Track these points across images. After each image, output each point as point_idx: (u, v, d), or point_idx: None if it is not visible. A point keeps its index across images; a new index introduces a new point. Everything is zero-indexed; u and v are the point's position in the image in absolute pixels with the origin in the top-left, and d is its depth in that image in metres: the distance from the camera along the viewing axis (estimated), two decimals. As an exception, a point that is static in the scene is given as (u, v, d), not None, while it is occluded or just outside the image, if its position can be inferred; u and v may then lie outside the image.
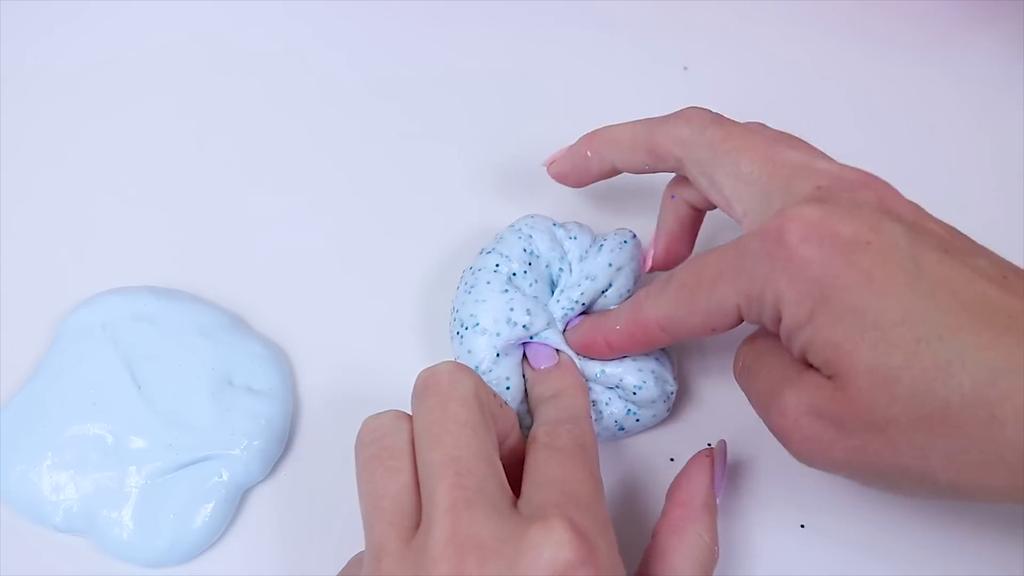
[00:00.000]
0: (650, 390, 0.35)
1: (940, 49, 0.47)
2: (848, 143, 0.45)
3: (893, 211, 0.28)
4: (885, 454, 0.26)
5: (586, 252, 0.37)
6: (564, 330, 0.36)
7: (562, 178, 0.38)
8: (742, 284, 0.29)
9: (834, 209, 0.27)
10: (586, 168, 0.37)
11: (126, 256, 0.41)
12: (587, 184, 0.38)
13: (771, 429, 0.29)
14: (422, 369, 0.30)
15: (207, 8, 0.48)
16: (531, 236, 0.37)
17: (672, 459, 0.37)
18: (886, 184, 0.30)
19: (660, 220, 0.37)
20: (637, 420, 0.36)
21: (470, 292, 0.36)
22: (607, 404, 0.36)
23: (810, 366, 0.28)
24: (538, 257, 0.37)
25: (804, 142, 0.32)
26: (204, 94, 0.46)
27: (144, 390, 0.36)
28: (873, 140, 0.45)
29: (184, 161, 0.44)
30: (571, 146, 0.37)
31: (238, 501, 0.36)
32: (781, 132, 0.32)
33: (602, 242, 0.37)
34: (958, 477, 0.26)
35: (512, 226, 0.38)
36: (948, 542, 0.35)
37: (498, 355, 0.35)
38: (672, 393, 0.36)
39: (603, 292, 0.37)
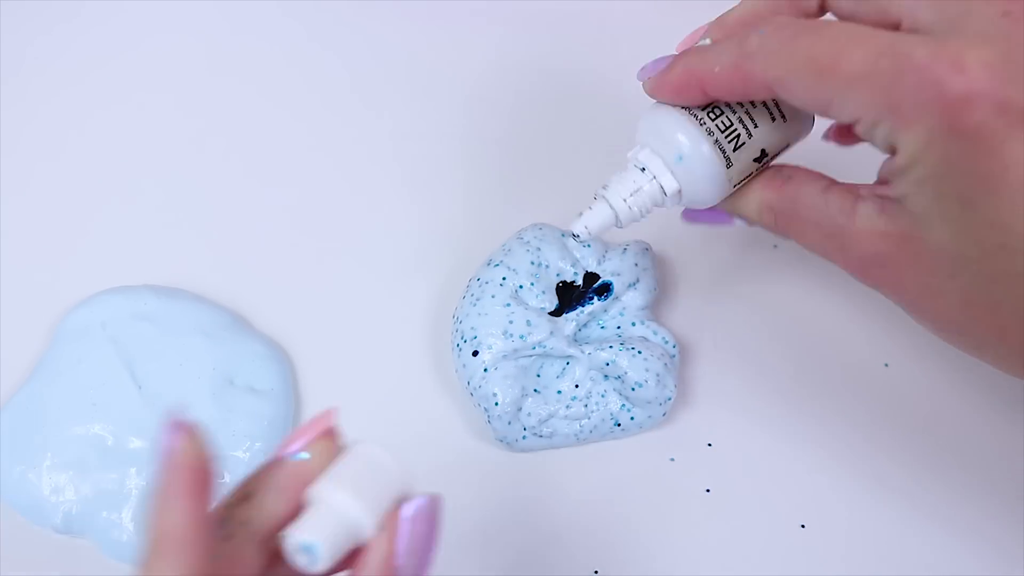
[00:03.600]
0: (649, 390, 0.36)
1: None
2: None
3: None
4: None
5: (604, 256, 0.38)
6: (645, 77, 0.31)
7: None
8: (880, 104, 0.25)
9: (1016, 69, 0.24)
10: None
11: (126, 255, 0.41)
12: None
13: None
14: None
15: (207, 8, 0.48)
16: (539, 248, 0.38)
17: (672, 459, 0.37)
18: None
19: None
20: (632, 418, 0.36)
21: (474, 305, 0.37)
22: (603, 396, 0.36)
23: (858, 189, 0.28)
24: (547, 267, 0.37)
25: None
26: (205, 93, 0.46)
27: (144, 390, 0.36)
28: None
29: (185, 160, 0.44)
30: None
31: (239, 502, 0.36)
32: None
33: (625, 246, 0.38)
34: None
35: (520, 237, 0.38)
36: (948, 542, 0.35)
37: (486, 370, 0.35)
38: (669, 399, 0.36)
39: (630, 286, 0.38)
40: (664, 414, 0.36)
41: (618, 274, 0.38)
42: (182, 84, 0.46)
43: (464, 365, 0.36)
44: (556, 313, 0.37)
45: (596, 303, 0.38)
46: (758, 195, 0.31)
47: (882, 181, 0.27)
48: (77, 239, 0.42)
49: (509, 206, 0.42)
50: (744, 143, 0.30)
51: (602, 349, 0.36)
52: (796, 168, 0.30)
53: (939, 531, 0.35)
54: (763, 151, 0.30)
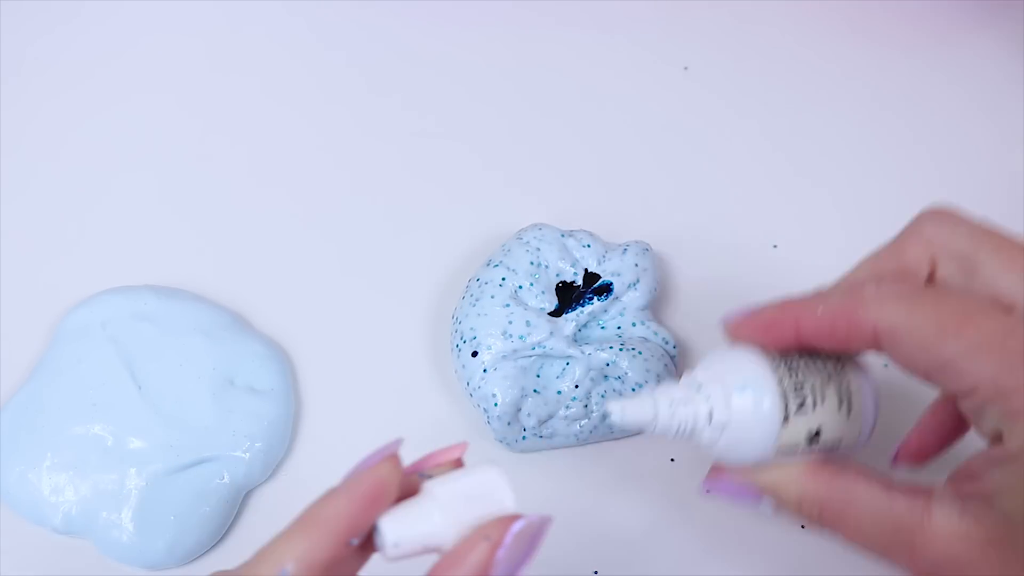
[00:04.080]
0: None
1: (940, 49, 0.47)
2: (848, 143, 0.45)
3: None
4: None
5: (604, 256, 0.38)
6: (731, 318, 0.29)
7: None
8: (1006, 378, 0.24)
9: None
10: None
11: (126, 254, 0.41)
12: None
13: (902, 570, 0.25)
14: None
15: (208, 7, 0.48)
16: (539, 249, 0.38)
17: (672, 459, 0.37)
18: None
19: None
20: None
21: (474, 305, 0.37)
22: (603, 396, 0.36)
23: (931, 489, 0.25)
24: (546, 268, 0.37)
25: None
26: (205, 93, 0.46)
27: (144, 390, 0.36)
28: (873, 140, 0.45)
29: (185, 160, 0.44)
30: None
31: (239, 502, 0.36)
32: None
33: (625, 247, 0.38)
34: None
35: (520, 238, 0.38)
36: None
37: (485, 370, 0.36)
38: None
39: (630, 286, 0.38)
40: None
41: (618, 274, 0.38)
42: (182, 83, 0.46)
43: (463, 366, 0.36)
44: (556, 313, 0.37)
45: (596, 303, 0.38)
46: (800, 483, 0.27)
47: (968, 476, 0.26)
48: (77, 239, 0.42)
49: (509, 206, 0.42)
50: (807, 411, 0.27)
51: (602, 350, 0.36)
52: (846, 462, 0.28)
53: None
54: (819, 431, 0.27)
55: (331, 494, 0.24)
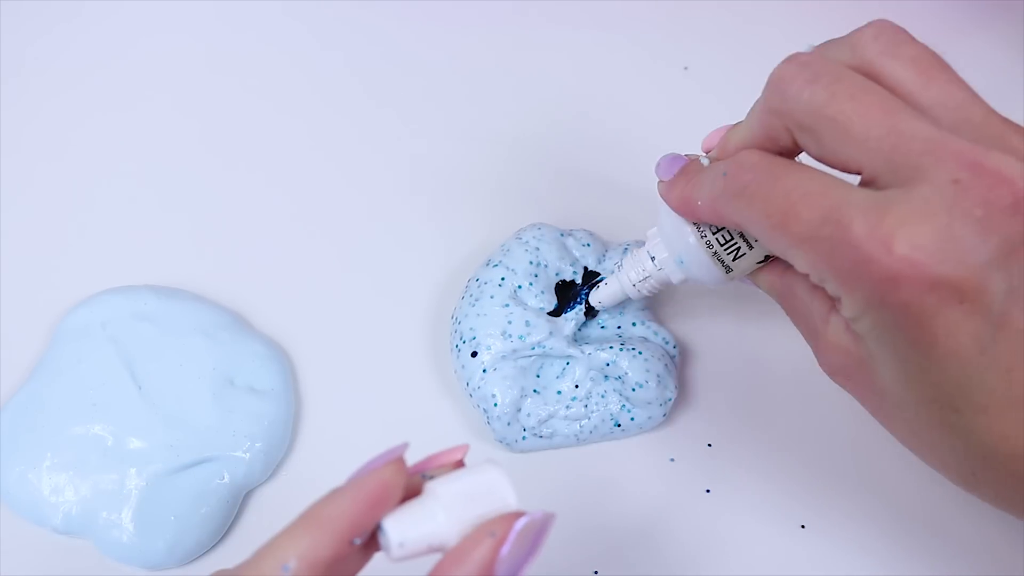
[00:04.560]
0: (650, 391, 0.36)
1: (940, 49, 0.46)
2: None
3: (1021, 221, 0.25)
4: None
5: (604, 255, 0.38)
6: (659, 177, 0.32)
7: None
8: (824, 269, 0.26)
9: (951, 247, 0.24)
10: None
11: (126, 254, 0.41)
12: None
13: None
14: None
15: (207, 8, 0.48)
16: (538, 248, 0.38)
17: (672, 459, 0.37)
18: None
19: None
20: (632, 419, 0.36)
21: (473, 305, 0.37)
22: (603, 396, 0.36)
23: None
24: (546, 267, 0.37)
25: (950, 86, 0.27)
26: (205, 93, 0.46)
27: (144, 390, 0.36)
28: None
29: (185, 160, 0.44)
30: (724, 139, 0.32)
31: (239, 503, 0.36)
32: (915, 67, 0.28)
33: (625, 246, 0.38)
34: None
35: (519, 238, 0.38)
36: (948, 542, 0.35)
37: (485, 371, 0.36)
38: (670, 400, 0.36)
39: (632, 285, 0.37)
40: (664, 415, 0.36)
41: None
42: (182, 84, 0.46)
43: (463, 366, 0.36)
44: (556, 313, 0.37)
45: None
46: (766, 275, 0.32)
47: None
48: (77, 239, 0.42)
49: (509, 206, 0.42)
50: (744, 254, 0.31)
51: (602, 350, 0.36)
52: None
53: (939, 532, 0.35)
54: (766, 256, 0.32)
55: (335, 493, 0.24)
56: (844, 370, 0.29)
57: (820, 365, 0.30)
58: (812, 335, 0.30)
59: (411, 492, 0.25)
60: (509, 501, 0.25)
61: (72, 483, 0.35)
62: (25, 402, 0.36)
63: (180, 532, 0.34)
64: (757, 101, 0.30)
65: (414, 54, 0.47)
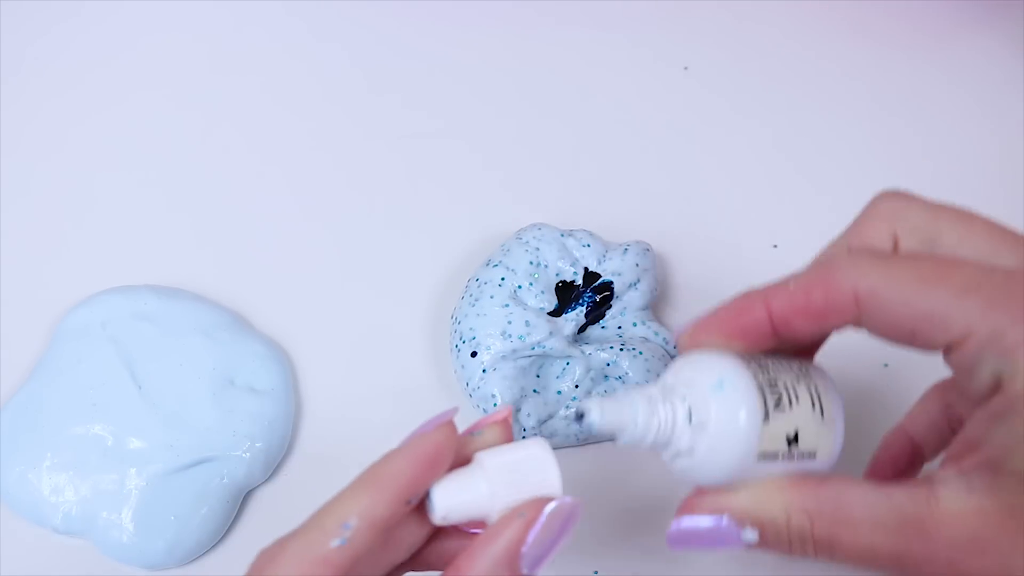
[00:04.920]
0: (650, 391, 0.35)
1: (940, 49, 0.47)
2: (848, 142, 0.45)
3: None
4: None
5: (604, 256, 0.38)
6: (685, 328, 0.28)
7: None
8: (994, 318, 0.23)
9: None
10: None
11: (126, 254, 0.41)
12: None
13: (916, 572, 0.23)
14: None
15: (207, 7, 0.48)
16: (538, 248, 0.38)
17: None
18: None
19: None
20: None
21: (473, 305, 0.37)
22: (605, 392, 0.36)
23: (931, 478, 0.23)
24: (546, 267, 0.37)
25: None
26: (205, 93, 0.46)
27: (144, 390, 0.36)
28: (873, 140, 0.45)
29: (185, 159, 0.44)
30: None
31: (239, 503, 0.36)
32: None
33: (625, 247, 0.38)
34: None
35: (519, 238, 0.38)
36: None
37: (484, 371, 0.36)
38: None
39: (630, 285, 0.38)
40: None
41: (619, 274, 0.38)
42: (182, 83, 0.46)
43: (463, 366, 0.36)
44: (556, 313, 0.37)
45: (597, 310, 0.38)
46: (785, 496, 0.25)
47: (967, 447, 0.23)
48: (78, 239, 0.42)
49: (509, 206, 0.42)
50: (784, 409, 0.25)
51: (602, 350, 0.36)
52: (829, 474, 0.26)
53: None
54: (797, 435, 0.25)
55: (392, 455, 0.25)
56: (979, 544, 0.22)
57: (935, 562, 0.22)
58: (908, 531, 0.23)
59: (460, 461, 0.26)
60: (551, 479, 0.26)
61: (72, 483, 0.34)
62: (25, 402, 0.36)
63: (180, 532, 0.34)
64: (837, 238, 0.28)
65: (414, 54, 0.47)
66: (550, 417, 0.36)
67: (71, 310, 0.38)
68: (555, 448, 0.37)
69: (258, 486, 0.36)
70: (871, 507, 0.23)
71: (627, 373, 0.36)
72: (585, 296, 0.38)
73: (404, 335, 0.39)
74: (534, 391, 0.36)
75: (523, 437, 0.36)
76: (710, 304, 0.39)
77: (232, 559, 0.35)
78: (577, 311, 0.37)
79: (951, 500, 0.22)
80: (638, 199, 0.43)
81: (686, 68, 0.47)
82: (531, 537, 0.25)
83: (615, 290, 0.37)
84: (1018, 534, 0.21)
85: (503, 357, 0.36)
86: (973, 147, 0.44)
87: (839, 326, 0.25)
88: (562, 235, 0.38)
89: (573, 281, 0.38)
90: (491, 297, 0.37)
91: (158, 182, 0.43)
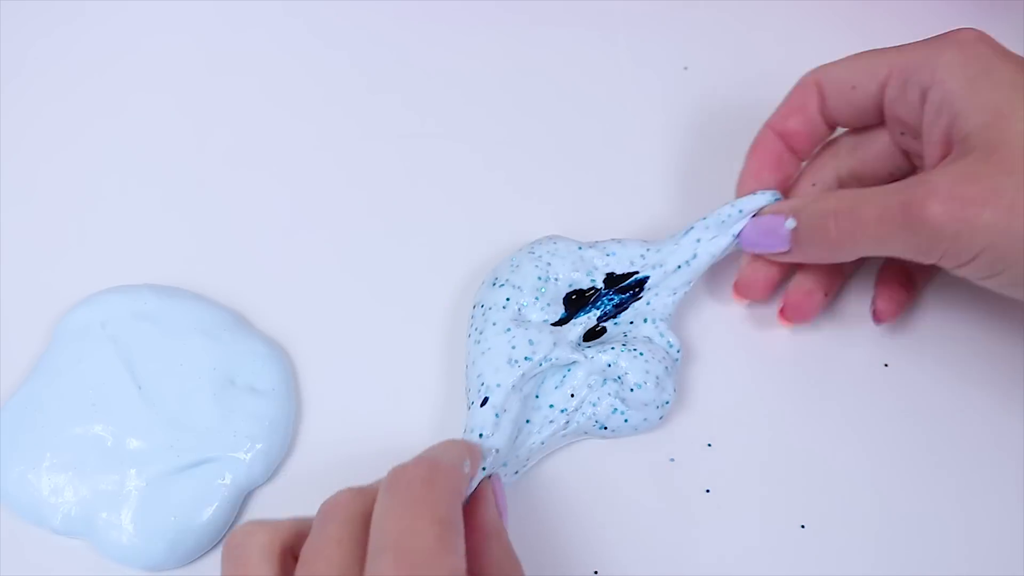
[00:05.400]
0: (648, 392, 0.35)
1: (940, 49, 0.47)
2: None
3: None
4: None
5: (647, 251, 0.38)
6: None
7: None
8: (902, 59, 0.34)
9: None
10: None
11: (126, 253, 0.41)
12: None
13: (920, 220, 0.30)
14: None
15: (207, 8, 0.48)
16: (550, 264, 0.37)
17: (672, 459, 0.37)
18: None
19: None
20: (625, 420, 0.36)
21: (478, 343, 0.36)
22: (593, 405, 0.36)
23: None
24: (556, 281, 0.37)
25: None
26: (205, 93, 0.46)
27: (144, 390, 0.36)
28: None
29: (185, 159, 0.44)
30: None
31: (240, 503, 0.36)
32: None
33: (690, 227, 0.38)
34: None
35: (532, 252, 0.38)
36: (948, 543, 0.35)
37: (497, 415, 0.34)
38: (667, 403, 0.36)
39: (672, 292, 0.38)
40: (661, 418, 0.36)
41: (660, 265, 0.37)
42: (183, 84, 0.46)
43: (473, 416, 0.35)
44: (563, 322, 0.37)
45: (620, 313, 0.37)
46: (817, 198, 0.35)
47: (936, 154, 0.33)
48: (78, 239, 0.42)
49: (509, 206, 0.42)
50: None
51: (604, 352, 0.36)
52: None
53: (939, 532, 0.35)
54: None
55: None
56: (968, 198, 0.29)
57: (941, 209, 0.30)
58: (911, 214, 0.30)
59: None
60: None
61: (72, 483, 0.34)
62: (25, 402, 0.36)
63: (180, 533, 0.34)
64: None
65: (416, 57, 0.47)
66: (539, 443, 0.36)
67: (71, 310, 0.38)
68: (543, 453, 0.36)
69: (259, 487, 0.36)
70: (879, 195, 0.32)
71: (626, 373, 0.36)
72: (604, 299, 0.37)
73: (406, 335, 0.39)
74: (527, 421, 0.35)
75: (515, 474, 0.35)
76: (709, 306, 0.40)
77: (232, 559, 0.35)
78: (589, 315, 0.37)
79: (942, 173, 0.30)
80: (637, 199, 0.43)
81: (686, 68, 0.47)
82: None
83: (649, 282, 0.37)
84: (999, 168, 0.29)
85: (513, 387, 0.35)
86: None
87: (818, 111, 0.37)
88: (580, 248, 0.38)
89: (591, 288, 0.37)
90: (493, 324, 0.36)
91: (158, 182, 0.43)
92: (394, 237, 0.42)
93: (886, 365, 0.39)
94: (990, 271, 0.30)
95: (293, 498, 0.36)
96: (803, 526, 0.36)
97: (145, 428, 0.35)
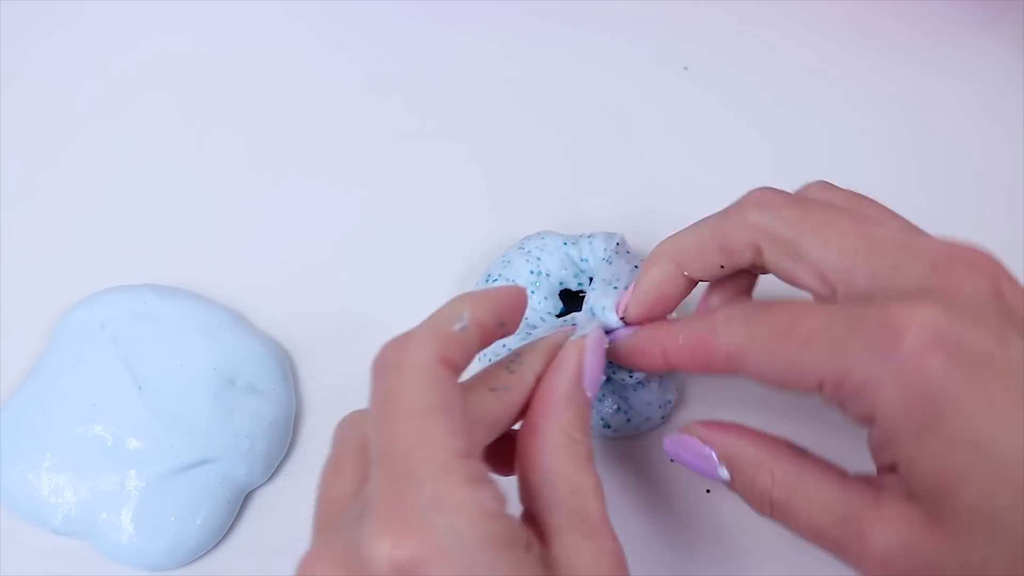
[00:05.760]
0: (651, 392, 0.35)
1: (940, 49, 0.47)
2: (848, 143, 0.45)
3: (1007, 303, 0.25)
4: None
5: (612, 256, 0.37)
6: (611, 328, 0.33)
7: (643, 318, 0.32)
8: (839, 363, 0.25)
9: (960, 315, 0.24)
10: (663, 295, 0.32)
11: (126, 253, 0.41)
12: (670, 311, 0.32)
13: (851, 564, 0.26)
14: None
15: (207, 8, 0.48)
16: (540, 258, 0.37)
17: (672, 459, 0.37)
18: (994, 261, 0.26)
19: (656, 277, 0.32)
20: (628, 420, 0.36)
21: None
22: (600, 399, 0.36)
23: (882, 479, 0.26)
24: (548, 276, 0.37)
25: (888, 211, 0.29)
26: (205, 93, 0.46)
27: (144, 390, 0.36)
28: (873, 140, 0.45)
29: (185, 159, 0.44)
30: (636, 284, 0.32)
31: (240, 503, 0.36)
32: (855, 199, 0.30)
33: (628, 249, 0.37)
34: None
35: (521, 247, 0.38)
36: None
37: None
38: (670, 402, 0.36)
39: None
40: (663, 417, 0.36)
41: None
42: (183, 84, 0.46)
43: None
44: (562, 315, 0.37)
45: None
46: (758, 453, 0.28)
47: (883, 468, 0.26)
48: (77, 239, 0.42)
49: (509, 206, 0.42)
50: None
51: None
52: (806, 451, 0.29)
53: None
54: None
55: (486, 289, 0.29)
56: (907, 547, 0.25)
57: (865, 559, 0.25)
58: (850, 533, 0.26)
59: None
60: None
61: (72, 484, 0.34)
62: (25, 402, 0.36)
63: (180, 533, 0.34)
64: (702, 225, 0.31)
65: (415, 56, 0.47)
66: None
67: (71, 310, 0.38)
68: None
69: (258, 487, 0.36)
70: (824, 492, 0.27)
71: (629, 373, 0.35)
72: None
73: (405, 335, 0.39)
74: None
75: None
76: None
77: (232, 560, 0.35)
78: (584, 313, 0.37)
79: (891, 504, 0.25)
80: (636, 199, 0.43)
81: (686, 68, 0.47)
82: (587, 359, 0.29)
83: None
84: (943, 544, 0.24)
85: None
86: (972, 148, 0.44)
87: (725, 373, 0.29)
88: (564, 243, 0.38)
89: (580, 291, 0.37)
90: None
91: (158, 182, 0.43)
92: (394, 238, 0.42)
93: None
94: None
95: (293, 498, 0.36)
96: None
97: (145, 428, 0.35)
